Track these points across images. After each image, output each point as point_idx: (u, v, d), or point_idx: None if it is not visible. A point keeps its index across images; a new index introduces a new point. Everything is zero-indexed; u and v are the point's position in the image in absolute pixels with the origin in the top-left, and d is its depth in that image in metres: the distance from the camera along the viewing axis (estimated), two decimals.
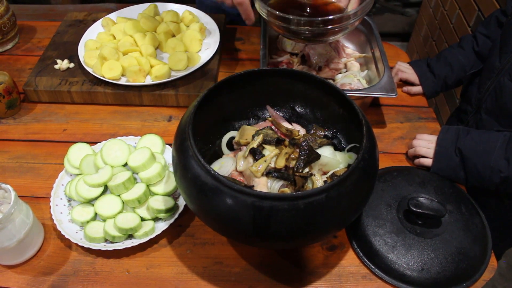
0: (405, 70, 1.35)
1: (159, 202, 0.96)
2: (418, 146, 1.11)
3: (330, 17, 1.00)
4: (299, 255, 0.95)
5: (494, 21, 1.27)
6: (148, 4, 1.48)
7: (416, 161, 1.12)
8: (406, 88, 1.35)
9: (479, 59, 1.30)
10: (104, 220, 0.94)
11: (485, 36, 1.28)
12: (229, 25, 1.59)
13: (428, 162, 1.09)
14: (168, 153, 1.08)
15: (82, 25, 1.48)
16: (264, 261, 0.94)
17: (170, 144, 1.07)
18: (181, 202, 0.99)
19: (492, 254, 0.94)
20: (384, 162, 1.13)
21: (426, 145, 1.10)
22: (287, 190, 0.85)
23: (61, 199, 1.00)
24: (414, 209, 0.91)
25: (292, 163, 0.87)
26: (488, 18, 1.30)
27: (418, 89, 1.34)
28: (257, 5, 1.08)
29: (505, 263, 2.04)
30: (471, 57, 1.30)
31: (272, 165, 0.87)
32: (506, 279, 2.01)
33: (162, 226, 0.94)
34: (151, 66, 1.28)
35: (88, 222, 0.95)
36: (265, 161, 0.87)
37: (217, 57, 1.36)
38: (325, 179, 0.90)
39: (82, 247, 0.94)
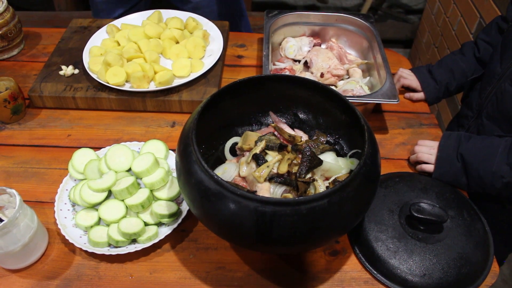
0: (407, 77, 1.36)
1: (162, 207, 0.96)
2: (419, 152, 1.11)
3: None
4: (301, 260, 0.95)
5: (494, 27, 1.28)
6: (153, 11, 1.50)
7: (418, 167, 1.12)
8: (408, 95, 1.36)
9: (480, 65, 1.31)
10: (108, 225, 0.95)
11: (486, 42, 1.29)
12: (232, 31, 1.60)
13: (430, 168, 1.09)
14: (172, 159, 1.09)
15: (87, 32, 1.50)
16: (266, 266, 0.94)
17: (173, 150, 1.08)
18: (184, 207, 0.99)
19: (494, 259, 0.95)
20: (386, 168, 1.13)
21: (428, 151, 1.10)
22: (290, 196, 0.85)
23: (66, 204, 1.01)
24: (416, 215, 0.92)
25: (295, 169, 0.88)
26: (489, 25, 1.31)
27: (420, 95, 1.35)
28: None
29: (505, 264, 2.03)
30: (472, 63, 1.31)
31: (275, 171, 0.88)
32: (510, 286, 2.00)
33: (165, 231, 0.95)
34: (155, 72, 1.29)
35: (92, 226, 0.95)
36: (267, 166, 0.87)
37: (220, 64, 1.37)
38: (328, 184, 0.90)
39: (86, 251, 0.94)
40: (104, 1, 1.78)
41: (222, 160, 1.00)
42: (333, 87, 1.25)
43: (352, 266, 0.95)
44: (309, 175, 0.88)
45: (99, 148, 1.12)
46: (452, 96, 1.49)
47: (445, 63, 1.34)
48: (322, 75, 1.30)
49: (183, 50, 1.35)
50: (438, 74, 1.33)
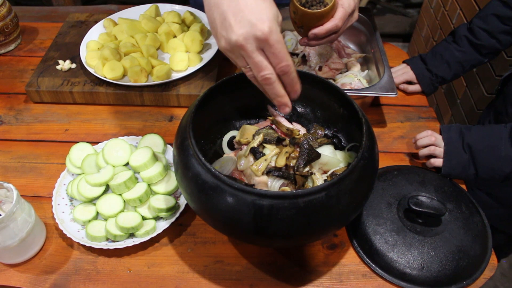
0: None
1: (160, 201, 0.96)
2: (432, 147, 1.09)
3: None
4: (299, 253, 0.95)
5: (492, 16, 1.23)
6: (150, 5, 1.49)
7: (428, 163, 1.10)
8: (402, 86, 1.35)
9: (477, 52, 1.28)
10: (106, 219, 0.95)
11: (484, 30, 1.25)
12: None
13: (439, 162, 1.08)
14: (169, 153, 1.09)
15: (84, 26, 1.49)
16: (264, 260, 0.94)
17: (171, 144, 1.08)
18: (182, 201, 0.99)
19: (493, 252, 0.95)
20: (384, 161, 1.13)
21: (440, 143, 1.08)
22: (288, 189, 0.85)
23: (63, 198, 1.00)
24: (414, 208, 0.92)
25: (293, 162, 0.88)
26: (484, 12, 1.27)
27: (415, 87, 1.33)
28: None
29: (506, 263, 2.04)
30: (467, 52, 1.28)
31: (273, 164, 0.88)
32: (508, 279, 2.00)
33: (163, 225, 0.95)
34: (152, 67, 1.28)
35: (89, 221, 0.95)
36: (265, 160, 0.87)
37: (218, 58, 1.36)
38: (325, 178, 0.90)
39: (83, 246, 0.94)
40: None
41: (220, 154, 1.00)
42: (331, 81, 1.25)
43: (351, 260, 0.95)
44: (307, 169, 0.88)
45: (97, 143, 1.11)
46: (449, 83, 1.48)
47: (439, 53, 1.31)
48: (320, 68, 1.30)
49: (181, 44, 1.35)
50: (433, 66, 1.31)
